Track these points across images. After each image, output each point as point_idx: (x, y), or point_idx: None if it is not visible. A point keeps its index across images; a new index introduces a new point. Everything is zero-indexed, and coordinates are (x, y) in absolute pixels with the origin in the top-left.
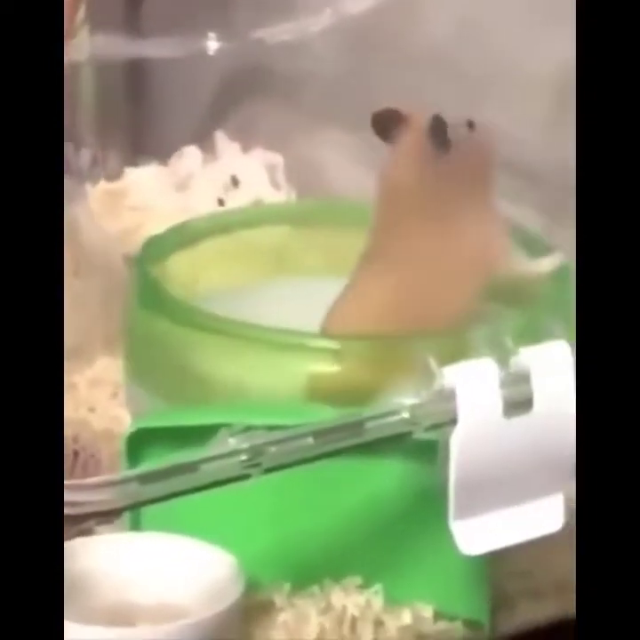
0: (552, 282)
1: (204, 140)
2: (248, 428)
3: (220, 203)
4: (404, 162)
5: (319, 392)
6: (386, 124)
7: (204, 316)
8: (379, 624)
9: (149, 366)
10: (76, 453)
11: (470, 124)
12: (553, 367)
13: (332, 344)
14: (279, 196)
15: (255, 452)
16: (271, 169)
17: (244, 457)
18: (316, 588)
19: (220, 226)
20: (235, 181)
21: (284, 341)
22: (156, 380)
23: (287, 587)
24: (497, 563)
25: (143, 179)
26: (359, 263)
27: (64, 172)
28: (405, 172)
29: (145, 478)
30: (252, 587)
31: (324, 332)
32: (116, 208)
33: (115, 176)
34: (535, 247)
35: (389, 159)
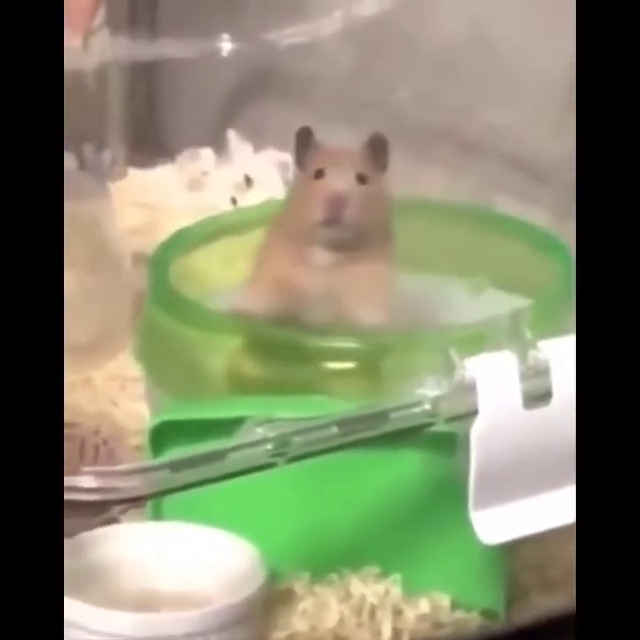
0: (558, 271)
1: (216, 140)
2: (274, 419)
3: (234, 202)
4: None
5: (336, 388)
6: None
7: (215, 317)
8: (397, 612)
9: (161, 364)
10: (96, 447)
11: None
12: (572, 359)
13: (348, 341)
14: None
15: (281, 441)
16: (283, 168)
17: (270, 446)
18: (335, 577)
19: (237, 224)
20: (248, 181)
21: (300, 342)
22: (166, 378)
23: (307, 576)
24: (512, 554)
25: (156, 178)
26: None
27: (84, 171)
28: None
29: (175, 466)
30: (272, 576)
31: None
32: (129, 206)
33: (128, 175)
34: (544, 244)
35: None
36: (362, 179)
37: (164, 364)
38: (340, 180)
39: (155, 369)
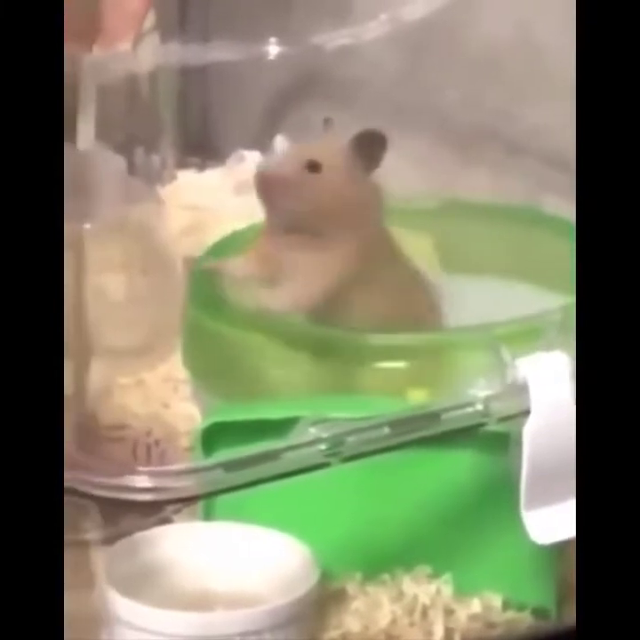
0: None
1: (264, 142)
2: (327, 419)
3: None
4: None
5: (387, 388)
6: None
7: (261, 320)
8: (449, 612)
9: (207, 366)
10: (148, 448)
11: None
12: None
13: (396, 340)
14: None
15: (335, 441)
16: None
17: (323, 446)
18: (387, 577)
19: None
20: None
21: (348, 342)
22: (211, 380)
23: (359, 576)
24: (563, 554)
25: (205, 181)
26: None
27: (135, 175)
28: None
29: (229, 466)
30: (325, 576)
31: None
32: (179, 209)
33: (177, 178)
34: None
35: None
36: (313, 167)
37: (208, 366)
38: (283, 166)
39: (199, 371)
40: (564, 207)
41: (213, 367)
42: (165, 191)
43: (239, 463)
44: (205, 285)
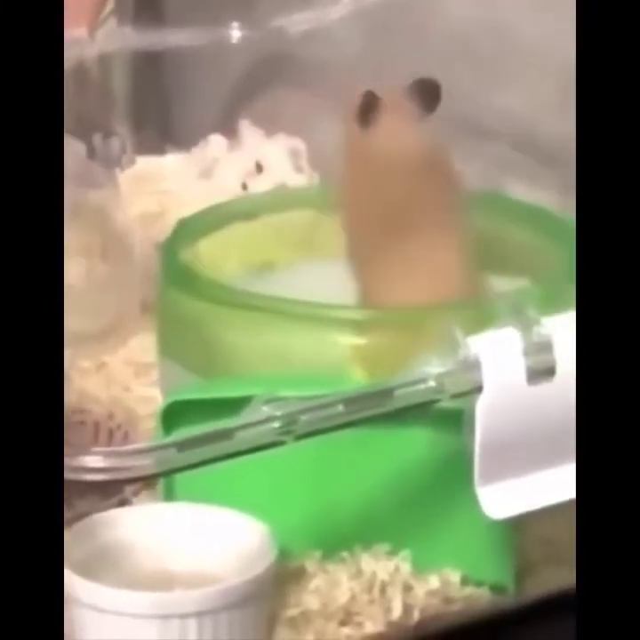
0: (563, 249)
1: (228, 127)
2: (280, 397)
3: (244, 187)
4: (398, 141)
5: (349, 363)
6: (367, 111)
7: (235, 294)
8: (407, 589)
9: (183, 344)
10: (110, 431)
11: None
12: (573, 336)
13: (360, 315)
14: (302, 181)
15: (288, 419)
16: (294, 154)
17: (277, 424)
18: (346, 555)
19: (248, 210)
20: (259, 167)
21: (316, 314)
22: (189, 358)
23: (318, 554)
24: (521, 530)
25: (168, 166)
26: (381, 241)
27: (93, 160)
28: (403, 150)
29: (182, 445)
30: (284, 554)
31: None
32: (141, 194)
33: (138, 163)
34: (550, 226)
35: (380, 140)
36: None
37: (184, 342)
38: None
39: (174, 349)
40: (529, 192)
41: (190, 345)
42: (126, 176)
43: (193, 442)
44: (183, 266)
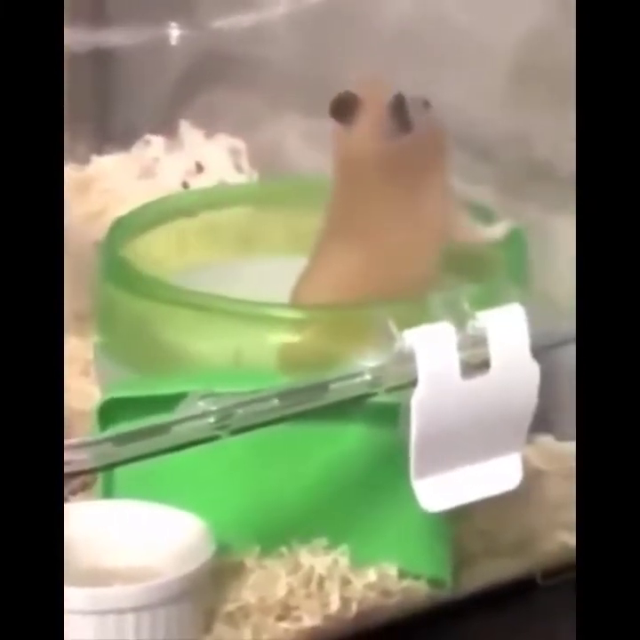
0: (504, 247)
1: (167, 127)
2: (216, 393)
3: (185, 186)
4: (364, 140)
5: (285, 361)
6: (343, 108)
7: (172, 291)
8: (345, 582)
9: (120, 343)
10: None
11: (426, 104)
12: (508, 329)
13: (296, 314)
14: (243, 180)
15: (223, 414)
16: (235, 154)
17: (212, 419)
18: (284, 550)
19: (185, 207)
20: (199, 167)
21: (251, 312)
22: (128, 355)
23: (257, 549)
24: (458, 523)
25: (108, 166)
26: (321, 238)
27: None
28: (366, 151)
29: (119, 439)
30: (223, 550)
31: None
32: (82, 194)
33: (80, 163)
34: (483, 216)
35: (349, 138)
36: None
37: (120, 340)
38: None
39: (111, 346)
40: (466, 188)
41: (129, 343)
42: (66, 176)
43: (129, 437)
44: (120, 263)
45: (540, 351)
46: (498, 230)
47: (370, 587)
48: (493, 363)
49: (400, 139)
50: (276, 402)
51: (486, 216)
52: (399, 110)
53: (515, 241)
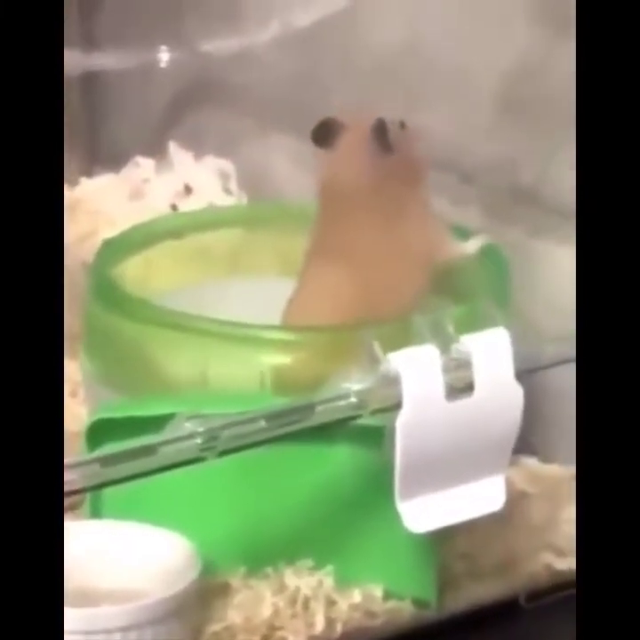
0: (482, 263)
1: (157, 149)
2: (203, 414)
3: (174, 208)
4: (347, 163)
5: (275, 383)
6: (325, 133)
7: (160, 313)
8: (330, 603)
9: (109, 364)
10: None
11: (402, 125)
12: (492, 353)
13: (286, 335)
14: (231, 202)
15: (210, 435)
16: (223, 176)
17: (199, 440)
18: (270, 571)
19: (174, 229)
20: (188, 189)
21: (239, 334)
22: (116, 378)
23: (243, 570)
24: (443, 545)
25: (98, 188)
26: (307, 260)
27: None
28: (349, 173)
29: (106, 460)
30: (209, 570)
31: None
32: (71, 216)
33: (70, 185)
34: (462, 237)
35: (332, 162)
36: None
37: (109, 361)
38: None
39: (100, 367)
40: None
41: (117, 365)
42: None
43: (116, 458)
44: (109, 285)
45: (524, 374)
46: (471, 245)
47: (355, 607)
48: (477, 386)
49: (382, 161)
50: (262, 423)
51: (466, 236)
52: (381, 133)
53: (491, 256)
